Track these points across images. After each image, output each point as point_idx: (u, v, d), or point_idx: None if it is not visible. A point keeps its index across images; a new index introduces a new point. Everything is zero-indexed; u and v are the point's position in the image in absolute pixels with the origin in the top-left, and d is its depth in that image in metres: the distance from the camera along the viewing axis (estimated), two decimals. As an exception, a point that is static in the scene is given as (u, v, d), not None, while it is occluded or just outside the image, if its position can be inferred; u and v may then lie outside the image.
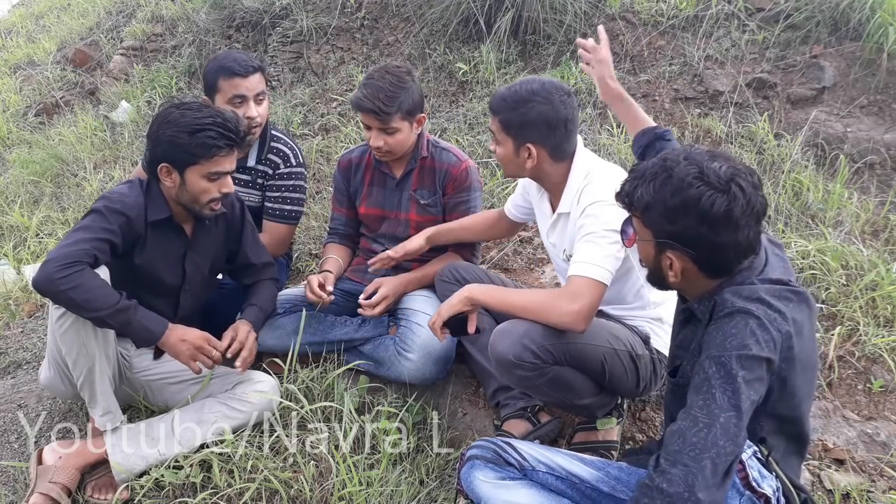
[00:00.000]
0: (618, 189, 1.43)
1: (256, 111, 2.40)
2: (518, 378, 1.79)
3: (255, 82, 2.39)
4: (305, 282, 2.33)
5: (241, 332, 2.05)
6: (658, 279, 1.43)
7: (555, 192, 1.95)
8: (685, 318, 1.49)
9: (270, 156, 2.54)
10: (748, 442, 1.20)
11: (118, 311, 1.79)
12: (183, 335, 1.93)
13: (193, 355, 1.93)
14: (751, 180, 1.29)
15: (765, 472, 1.19)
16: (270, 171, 2.54)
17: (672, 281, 1.38)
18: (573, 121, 1.85)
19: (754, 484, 1.16)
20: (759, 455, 1.20)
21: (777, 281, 1.33)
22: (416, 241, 2.30)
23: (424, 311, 2.25)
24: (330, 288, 2.29)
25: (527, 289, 1.93)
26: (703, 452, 1.16)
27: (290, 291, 2.48)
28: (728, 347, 1.22)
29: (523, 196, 2.22)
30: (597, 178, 1.83)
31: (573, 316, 1.69)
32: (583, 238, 1.78)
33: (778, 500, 1.21)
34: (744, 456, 1.17)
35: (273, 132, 2.56)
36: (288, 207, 2.55)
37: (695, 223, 1.27)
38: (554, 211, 1.97)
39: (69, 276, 1.73)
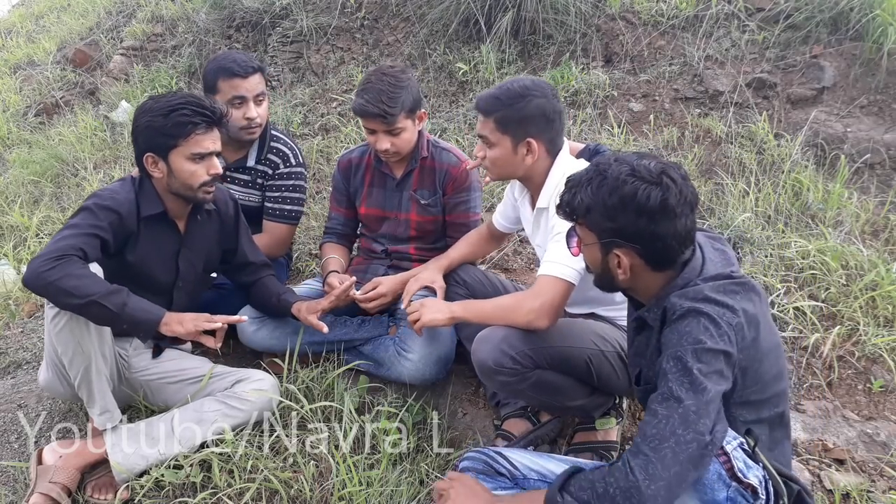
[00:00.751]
0: (557, 202, 1.48)
1: (256, 112, 2.40)
2: (500, 384, 1.79)
3: (254, 83, 2.39)
4: (327, 287, 2.32)
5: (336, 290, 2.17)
6: (607, 280, 1.48)
7: (537, 191, 1.95)
8: (637, 326, 1.52)
9: (270, 156, 2.54)
10: (734, 434, 1.21)
11: (111, 293, 1.78)
12: (180, 317, 1.91)
13: (195, 319, 1.91)
14: (680, 172, 1.36)
15: (750, 462, 1.19)
16: (270, 171, 2.54)
17: (622, 279, 1.43)
18: (564, 115, 1.88)
19: (740, 475, 1.17)
20: (744, 446, 1.21)
21: (718, 276, 1.37)
22: (431, 276, 2.21)
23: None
24: (356, 293, 2.26)
25: (497, 297, 1.96)
26: (662, 442, 1.19)
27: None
28: (683, 344, 1.26)
29: (513, 205, 2.20)
30: None
31: (535, 313, 1.71)
32: (553, 237, 1.80)
33: (767, 491, 1.21)
34: (728, 447, 1.18)
35: (273, 132, 2.56)
36: (288, 207, 2.55)
37: (634, 217, 1.33)
38: (533, 209, 1.98)
39: (55, 267, 1.72)
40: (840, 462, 1.99)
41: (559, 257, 1.74)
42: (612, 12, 4.20)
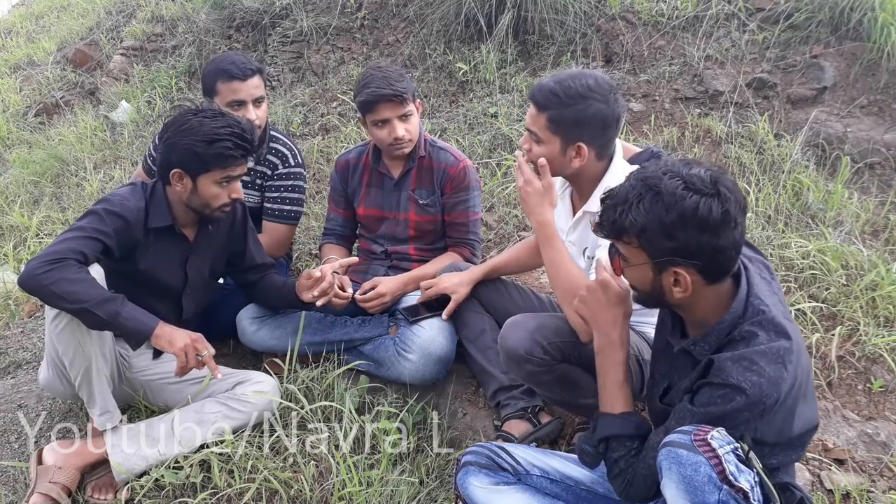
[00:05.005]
0: (596, 221, 1.40)
1: (255, 114, 2.40)
2: (526, 373, 1.78)
3: (253, 86, 2.39)
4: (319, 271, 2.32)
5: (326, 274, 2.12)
6: (655, 299, 1.40)
7: (583, 191, 1.89)
8: (683, 351, 1.46)
9: (269, 156, 2.54)
10: (728, 438, 1.21)
11: (105, 300, 1.77)
12: (171, 336, 1.85)
13: (185, 348, 1.85)
14: (728, 178, 1.30)
15: (742, 467, 1.19)
16: (269, 172, 2.54)
17: (679, 297, 1.34)
18: (622, 120, 1.80)
19: (731, 478, 1.16)
20: (738, 452, 1.21)
21: (774, 326, 1.30)
22: (457, 285, 2.18)
23: (424, 312, 2.25)
24: (350, 291, 2.24)
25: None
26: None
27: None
28: (712, 414, 1.27)
29: None
30: None
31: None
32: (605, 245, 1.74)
33: (763, 494, 1.21)
34: (721, 451, 1.18)
35: (272, 132, 2.56)
36: (287, 208, 2.55)
37: (695, 233, 1.25)
38: (576, 209, 1.94)
39: (52, 270, 1.72)
40: (840, 462, 1.99)
41: None
42: (612, 12, 4.20)
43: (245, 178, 2.54)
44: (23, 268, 3.36)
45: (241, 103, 2.38)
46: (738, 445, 1.22)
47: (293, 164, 2.55)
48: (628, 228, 1.30)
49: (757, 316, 1.31)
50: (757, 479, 1.20)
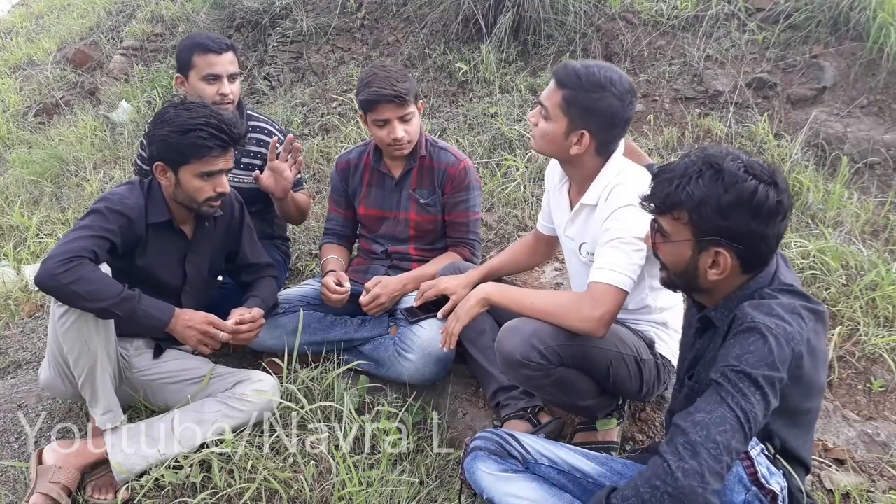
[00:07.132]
0: (648, 192, 1.39)
1: (230, 88, 2.44)
2: (524, 377, 1.78)
3: (228, 61, 2.43)
4: (321, 286, 2.34)
5: (255, 312, 2.09)
6: (687, 281, 1.40)
7: (581, 184, 1.90)
8: (702, 327, 1.46)
9: (260, 136, 2.56)
10: (755, 440, 1.20)
11: (122, 300, 1.81)
12: (189, 321, 1.96)
13: (201, 340, 1.97)
14: (782, 174, 1.32)
15: (773, 468, 1.19)
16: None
17: (713, 279, 1.35)
18: (629, 124, 1.82)
19: (763, 480, 1.16)
20: (766, 453, 1.20)
21: (794, 291, 1.32)
22: (456, 286, 2.13)
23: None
24: (347, 286, 2.30)
25: (543, 291, 1.91)
26: (723, 454, 1.15)
27: (290, 291, 2.48)
28: (752, 363, 1.21)
29: (547, 199, 2.16)
30: (630, 179, 1.78)
31: (595, 322, 1.69)
32: (608, 243, 1.75)
33: (784, 499, 1.21)
34: (752, 452, 1.17)
35: (248, 112, 2.60)
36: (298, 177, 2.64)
37: (748, 217, 1.27)
38: (573, 203, 1.94)
39: (70, 269, 1.74)
40: (840, 462, 1.99)
41: (616, 265, 1.71)
42: (612, 12, 4.20)
43: (257, 161, 2.55)
44: (24, 268, 3.38)
45: (216, 77, 2.41)
46: (765, 446, 1.21)
47: (283, 138, 2.61)
48: (683, 202, 1.31)
49: (782, 286, 1.33)
50: (786, 482, 1.20)
